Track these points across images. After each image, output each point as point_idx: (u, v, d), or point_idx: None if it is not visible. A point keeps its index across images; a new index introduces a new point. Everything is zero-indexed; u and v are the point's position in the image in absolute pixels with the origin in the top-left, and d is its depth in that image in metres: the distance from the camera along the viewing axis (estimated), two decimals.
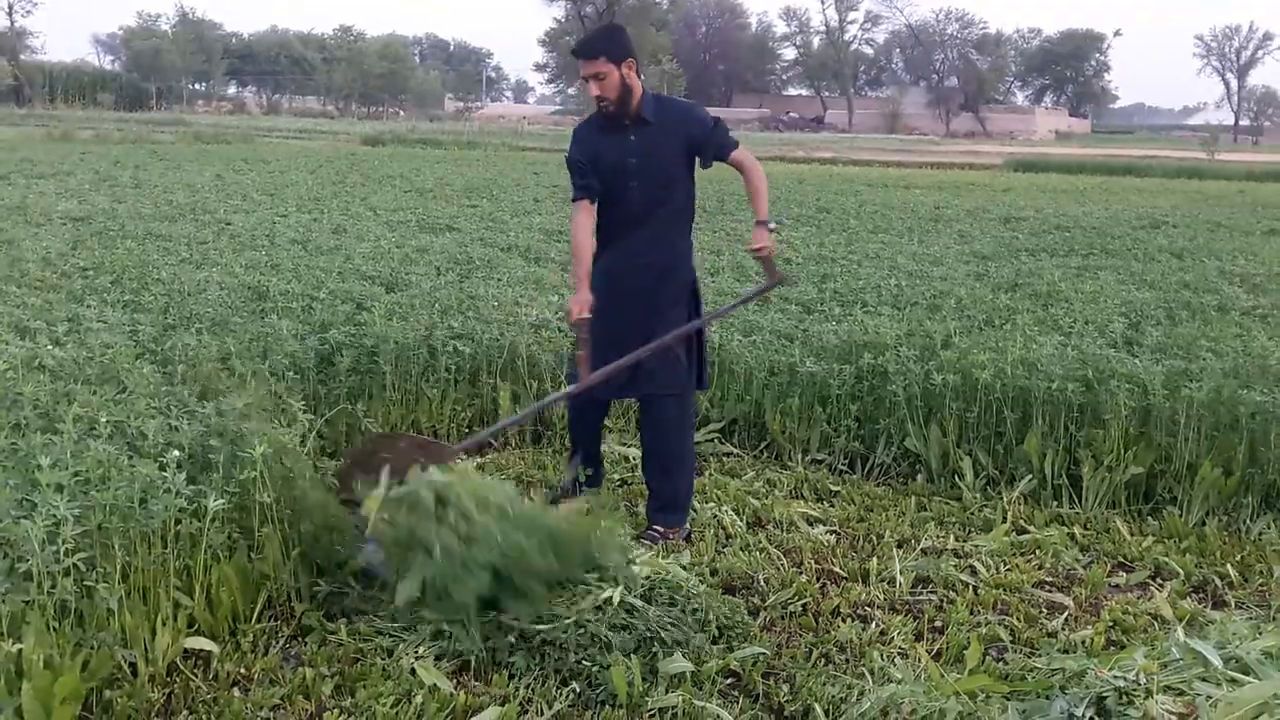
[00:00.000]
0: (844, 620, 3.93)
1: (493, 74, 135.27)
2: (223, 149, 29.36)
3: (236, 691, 3.32)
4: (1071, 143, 69.42)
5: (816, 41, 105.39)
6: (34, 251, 8.39)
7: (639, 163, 4.54)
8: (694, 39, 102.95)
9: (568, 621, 3.47)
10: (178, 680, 3.34)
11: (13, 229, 10.15)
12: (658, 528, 4.65)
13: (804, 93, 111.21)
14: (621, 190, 4.58)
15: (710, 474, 5.52)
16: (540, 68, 77.59)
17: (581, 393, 4.57)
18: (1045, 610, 4.10)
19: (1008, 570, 4.43)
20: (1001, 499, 5.17)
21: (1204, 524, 4.92)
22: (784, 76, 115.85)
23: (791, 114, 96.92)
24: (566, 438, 5.85)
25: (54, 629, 3.02)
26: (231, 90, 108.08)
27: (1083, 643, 3.77)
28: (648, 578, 3.71)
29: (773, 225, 4.69)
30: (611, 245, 4.64)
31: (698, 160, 4.68)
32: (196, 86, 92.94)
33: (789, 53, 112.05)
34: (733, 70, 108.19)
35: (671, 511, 4.72)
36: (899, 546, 4.65)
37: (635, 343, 4.53)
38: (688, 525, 4.76)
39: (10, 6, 72.25)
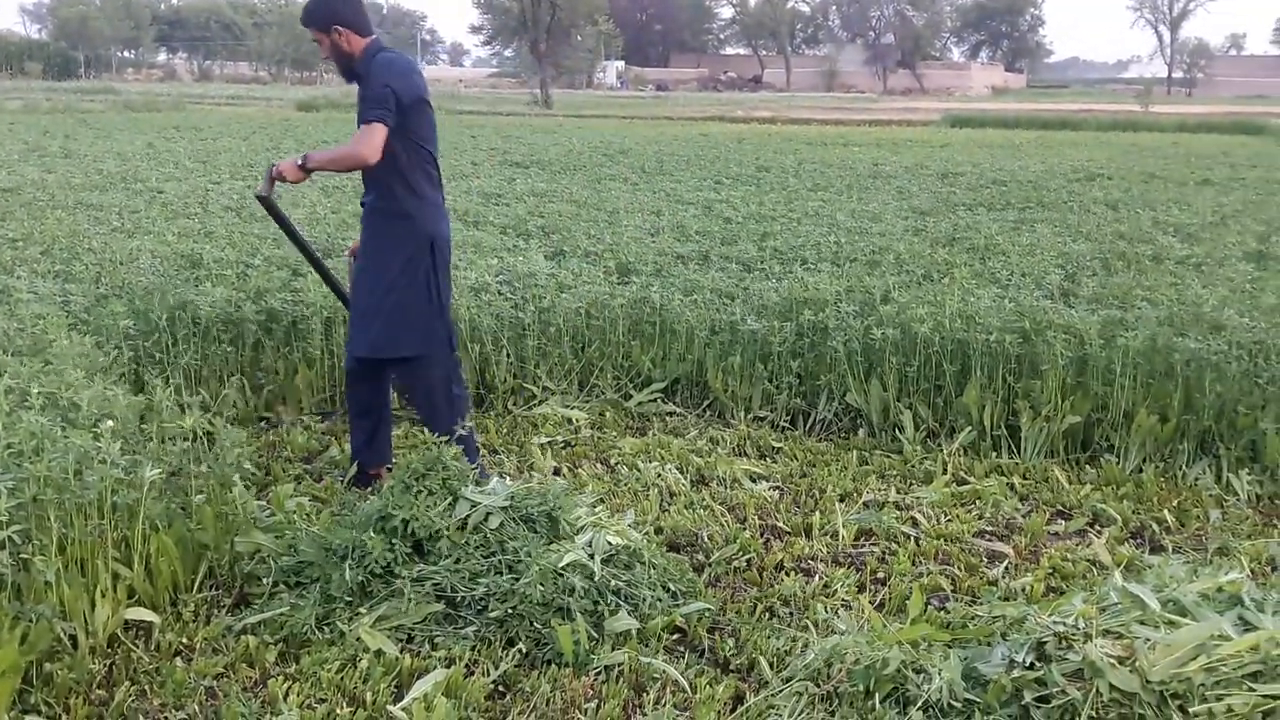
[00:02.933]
0: (788, 574, 3.96)
1: (427, 36, 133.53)
2: (153, 117, 28.85)
3: (179, 661, 3.29)
4: (1007, 98, 69.84)
5: (753, 0, 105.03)
6: None
7: (358, 117, 4.48)
8: None
9: (523, 583, 3.45)
10: (119, 651, 3.30)
11: None
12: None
13: (741, 52, 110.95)
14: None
15: (653, 433, 5.53)
16: (476, 30, 76.68)
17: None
18: (986, 559, 4.16)
19: (948, 521, 4.48)
20: (942, 451, 5.22)
21: (1141, 470, 5.00)
22: (721, 36, 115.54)
23: (729, 74, 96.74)
24: (505, 402, 5.85)
25: None
26: (162, 58, 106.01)
27: (1023, 590, 3.83)
28: (611, 544, 3.70)
29: (301, 161, 4.39)
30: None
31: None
32: (126, 54, 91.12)
33: (726, 11, 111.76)
34: (670, 30, 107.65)
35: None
36: (841, 500, 4.69)
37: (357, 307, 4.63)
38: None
39: None
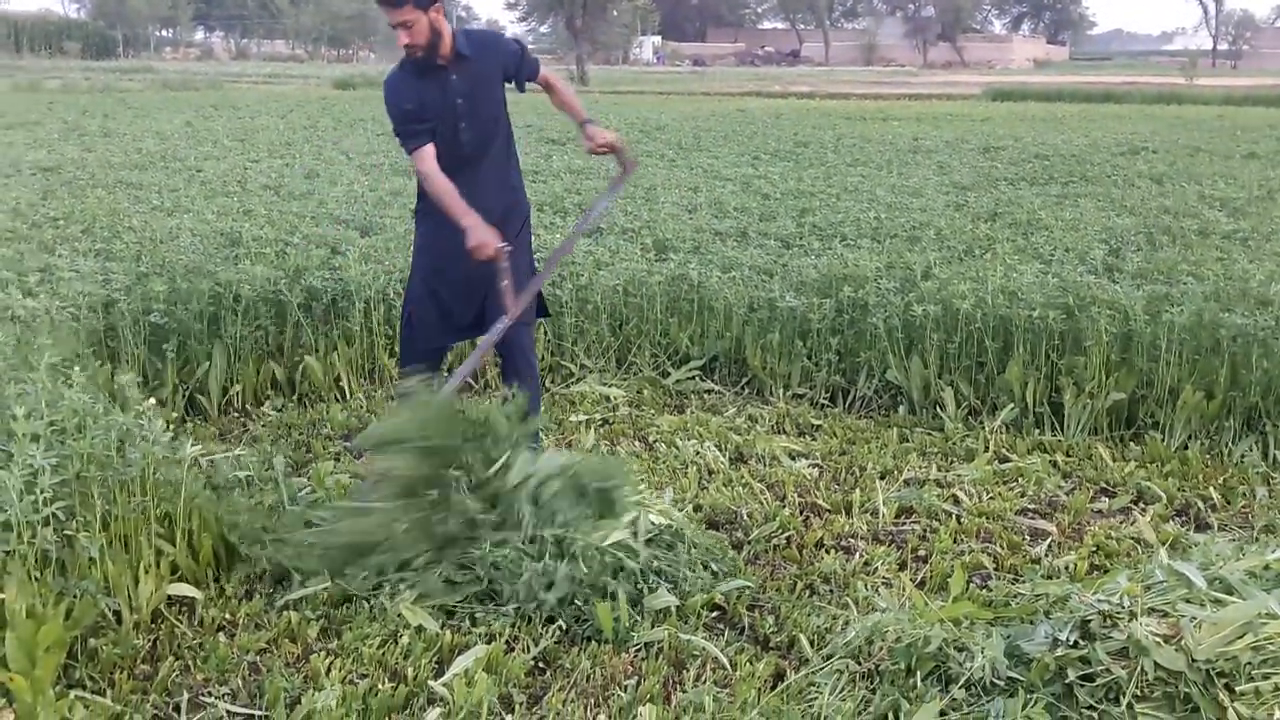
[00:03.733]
0: (828, 552, 3.94)
1: (463, 14, 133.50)
2: (191, 96, 29.02)
3: (222, 637, 3.31)
4: (1049, 70, 69.09)
5: None
6: (3, 202, 8.28)
7: (466, 103, 4.34)
8: None
9: (563, 564, 3.46)
10: (162, 627, 3.33)
11: None
12: None
13: (779, 26, 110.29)
14: (452, 133, 4.35)
15: (692, 411, 5.52)
16: (511, 6, 76.53)
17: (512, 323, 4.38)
18: (1028, 537, 4.13)
19: (990, 499, 4.45)
20: (983, 428, 5.18)
21: (1186, 448, 4.94)
22: (759, 10, 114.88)
23: (767, 48, 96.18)
24: (543, 380, 5.84)
25: (35, 578, 3.01)
26: (199, 36, 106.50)
27: (1066, 568, 3.80)
28: (654, 524, 3.70)
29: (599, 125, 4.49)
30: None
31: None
32: (164, 33, 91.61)
33: None
34: (707, 5, 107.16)
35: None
36: (881, 478, 4.66)
37: (485, 281, 4.41)
38: None
39: None
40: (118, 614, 3.28)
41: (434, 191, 4.29)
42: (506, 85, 4.50)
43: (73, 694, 2.92)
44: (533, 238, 4.76)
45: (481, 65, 4.36)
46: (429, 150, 4.30)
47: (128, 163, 12.00)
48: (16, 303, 4.64)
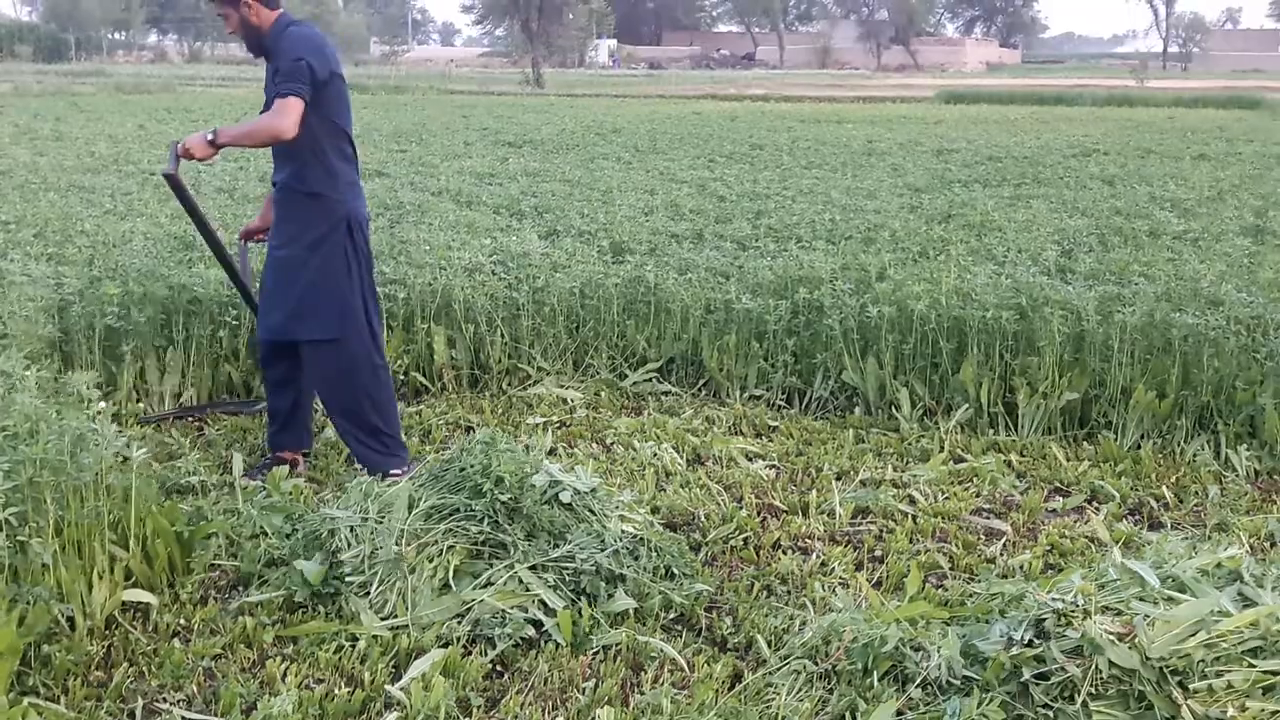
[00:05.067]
0: (785, 553, 3.96)
1: (418, 16, 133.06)
2: (145, 99, 28.71)
3: (177, 642, 3.28)
4: (1002, 73, 69.67)
5: None
6: None
7: (268, 94, 4.36)
8: None
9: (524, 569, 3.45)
10: (117, 633, 3.30)
11: None
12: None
13: (734, 29, 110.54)
14: None
15: (649, 413, 5.53)
16: (467, 9, 76.36)
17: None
18: (983, 537, 4.17)
19: (946, 499, 4.49)
20: (939, 429, 5.22)
21: (1139, 447, 5.00)
22: (714, 13, 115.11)
23: (722, 51, 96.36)
24: (500, 382, 5.83)
25: None
26: (152, 39, 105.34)
27: (1021, 567, 3.83)
28: (624, 532, 3.70)
29: (211, 137, 4.26)
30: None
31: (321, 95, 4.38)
32: (116, 36, 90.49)
33: None
34: (662, 8, 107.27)
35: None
36: (838, 479, 4.69)
37: (274, 291, 4.52)
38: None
39: None
40: (71, 620, 3.24)
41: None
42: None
43: (26, 701, 2.89)
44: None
45: (273, 63, 4.37)
46: None
47: (80, 166, 11.88)
48: None
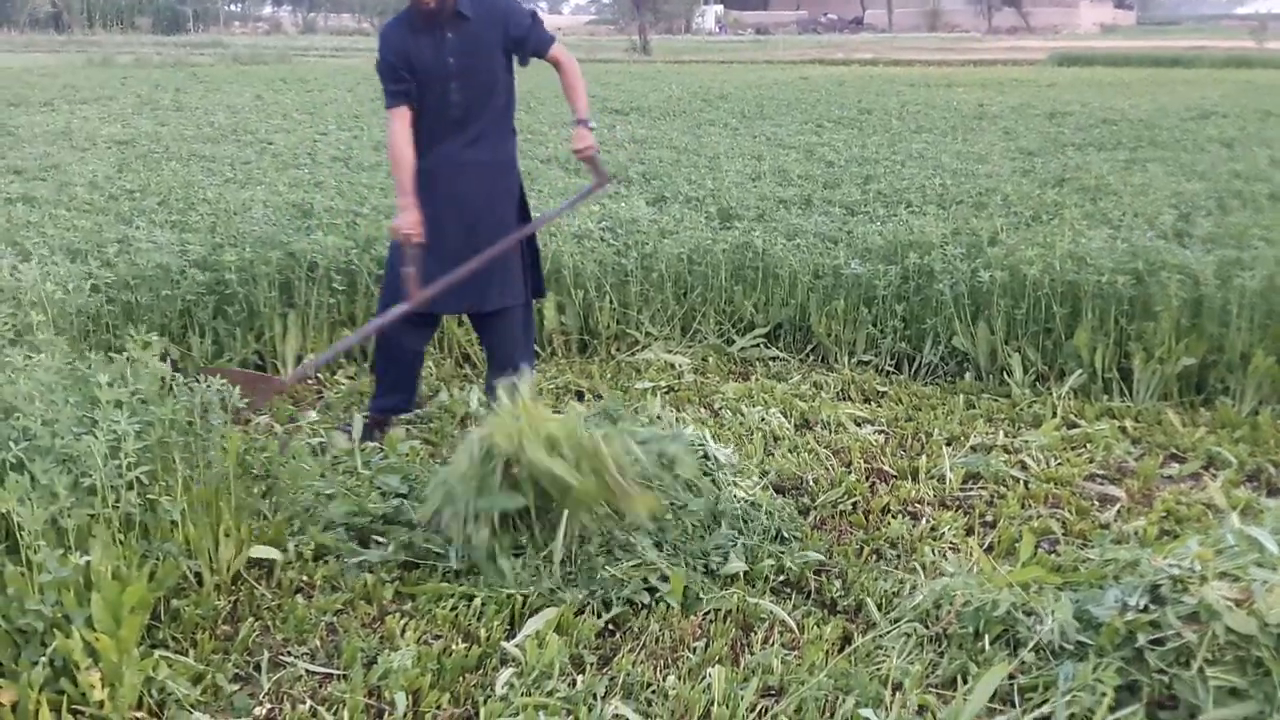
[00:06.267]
0: (894, 518, 3.95)
1: None
2: (261, 70, 29.25)
3: (300, 598, 3.40)
4: (1117, 35, 67.68)
5: None
6: (81, 175, 8.46)
7: (458, 63, 4.28)
8: None
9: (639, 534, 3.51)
10: (243, 588, 3.42)
11: (59, 154, 10.24)
12: None
13: None
14: (441, 94, 4.31)
15: (756, 378, 5.53)
16: None
17: (415, 310, 4.38)
18: (1097, 503, 4.11)
19: (1058, 464, 4.43)
20: (1051, 394, 5.14)
21: (1256, 413, 4.88)
22: None
23: (830, 15, 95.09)
24: (609, 348, 5.88)
25: (120, 541, 3.09)
26: (267, 10, 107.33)
27: (1136, 533, 3.78)
28: (739, 499, 3.75)
29: (593, 124, 4.45)
30: (433, 153, 4.38)
31: (515, 59, 4.46)
32: (232, 8, 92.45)
33: None
34: None
35: None
36: (948, 444, 4.65)
37: (467, 254, 4.37)
38: None
39: None
40: (199, 576, 3.37)
41: (390, 156, 4.34)
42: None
43: (157, 654, 3.00)
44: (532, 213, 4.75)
45: (480, 28, 4.31)
46: (399, 112, 4.33)
47: (200, 136, 12.17)
48: (98, 273, 4.73)
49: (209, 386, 3.45)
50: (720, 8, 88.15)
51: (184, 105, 16.60)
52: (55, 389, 3.36)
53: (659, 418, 4.54)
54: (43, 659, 2.75)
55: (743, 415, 4.97)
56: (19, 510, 2.84)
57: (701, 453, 3.87)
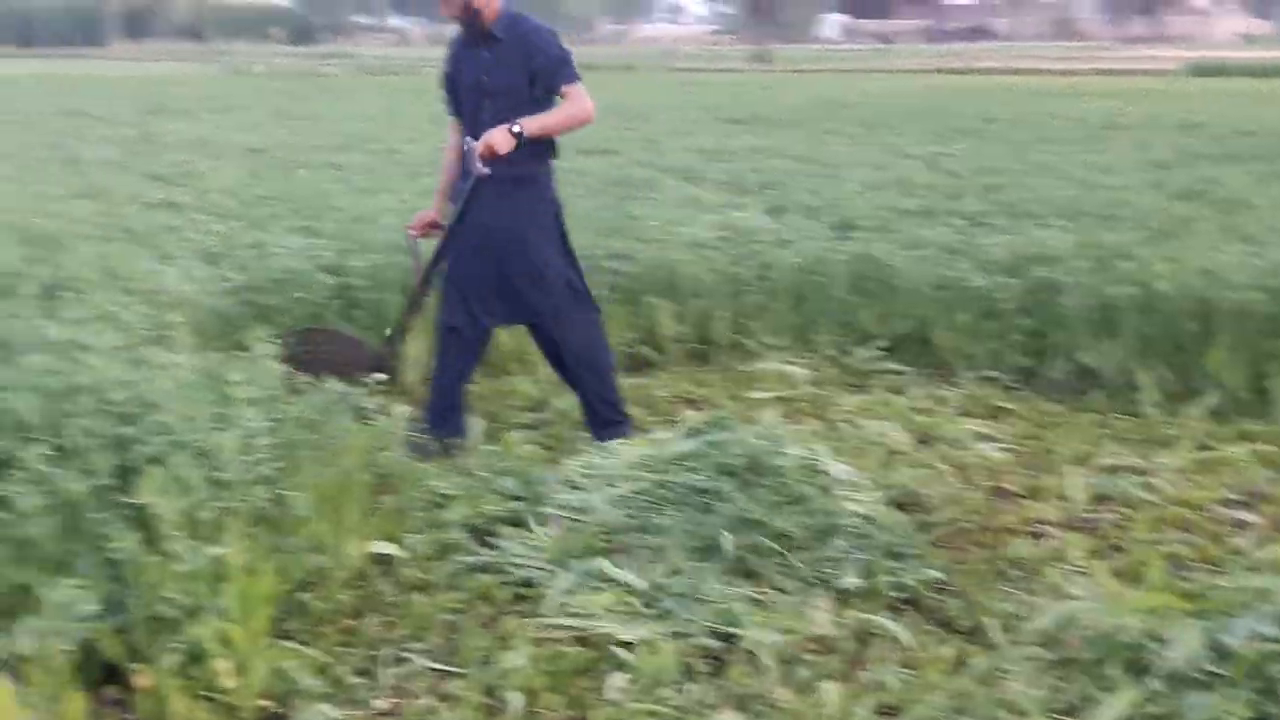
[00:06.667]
0: (1017, 538, 3.87)
1: None
2: (389, 80, 29.86)
3: (421, 595, 3.45)
4: (1256, 45, 65.63)
5: None
6: (217, 182, 8.73)
7: (490, 81, 4.41)
8: None
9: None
10: (366, 584, 3.49)
11: (197, 161, 10.59)
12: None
13: (967, 1, 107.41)
14: (476, 109, 4.45)
15: (875, 391, 5.47)
16: None
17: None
18: (1231, 528, 3.98)
19: (1191, 487, 4.29)
20: (1184, 415, 4.99)
21: None
22: None
23: (954, 24, 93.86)
24: (725, 358, 5.86)
25: (251, 534, 3.17)
26: (395, 22, 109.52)
27: (1271, 561, 3.64)
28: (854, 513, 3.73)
29: (517, 130, 4.29)
30: (473, 171, 4.42)
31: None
32: (361, 20, 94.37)
33: None
34: None
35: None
36: (1074, 463, 4.54)
37: (485, 268, 4.48)
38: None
39: None
40: (324, 570, 3.45)
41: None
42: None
43: (283, 644, 3.09)
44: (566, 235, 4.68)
45: (509, 52, 4.40)
46: (452, 123, 4.63)
47: (330, 145, 12.47)
48: (233, 276, 4.88)
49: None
50: (842, 16, 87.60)
51: (315, 114, 17.03)
52: (191, 386, 3.47)
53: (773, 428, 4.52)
54: (177, 646, 2.84)
55: (860, 428, 4.91)
56: (157, 502, 2.94)
57: (815, 465, 3.84)
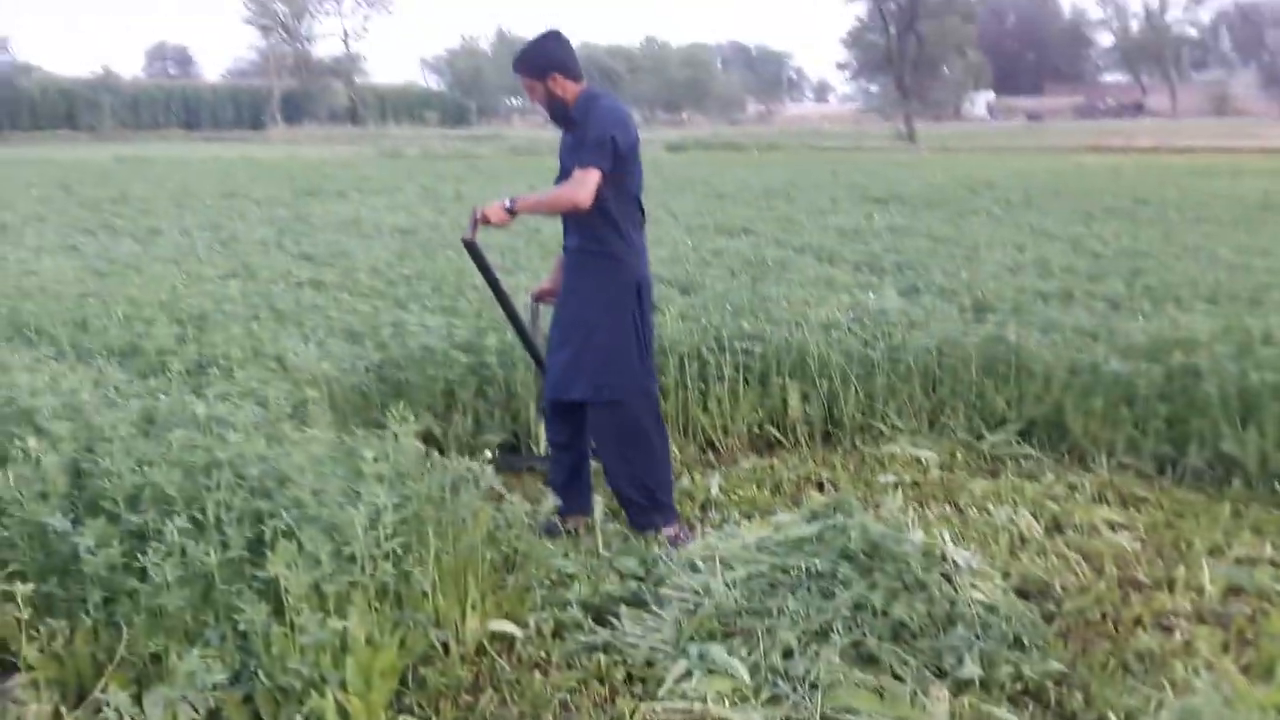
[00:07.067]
0: (1145, 629, 3.77)
1: (793, 75, 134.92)
2: (536, 161, 30.54)
3: (537, 673, 3.52)
4: None
5: (1135, 25, 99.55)
6: (364, 261, 9.07)
7: (566, 160, 4.59)
8: (1002, 28, 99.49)
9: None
10: (484, 660, 3.57)
11: (347, 241, 11.03)
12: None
13: (1121, 79, 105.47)
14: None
15: (1006, 476, 5.38)
16: (842, 66, 76.61)
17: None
18: None
19: None
20: None
21: None
22: (1099, 63, 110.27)
23: (1108, 101, 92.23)
24: (853, 439, 5.84)
25: (375, 608, 3.29)
26: None
27: None
28: (975, 601, 3.69)
29: (509, 204, 4.51)
30: (564, 241, 4.80)
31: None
32: (513, 102, 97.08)
33: (1105, 38, 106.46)
34: (1043, 58, 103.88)
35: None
36: (1209, 554, 4.40)
37: (552, 337, 4.74)
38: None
39: (345, 33, 77.84)
40: (445, 645, 3.54)
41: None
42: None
43: (402, 718, 3.18)
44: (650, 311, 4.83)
45: (578, 133, 4.55)
46: None
47: None
48: (371, 353, 5.07)
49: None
50: (991, 94, 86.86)
51: (463, 195, 17.56)
52: (324, 462, 3.63)
53: (895, 513, 4.49)
54: (299, 716, 2.95)
55: (989, 514, 4.84)
56: (286, 574, 3.07)
57: (937, 552, 3.81)
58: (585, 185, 4.40)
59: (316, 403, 4.34)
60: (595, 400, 4.61)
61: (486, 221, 4.56)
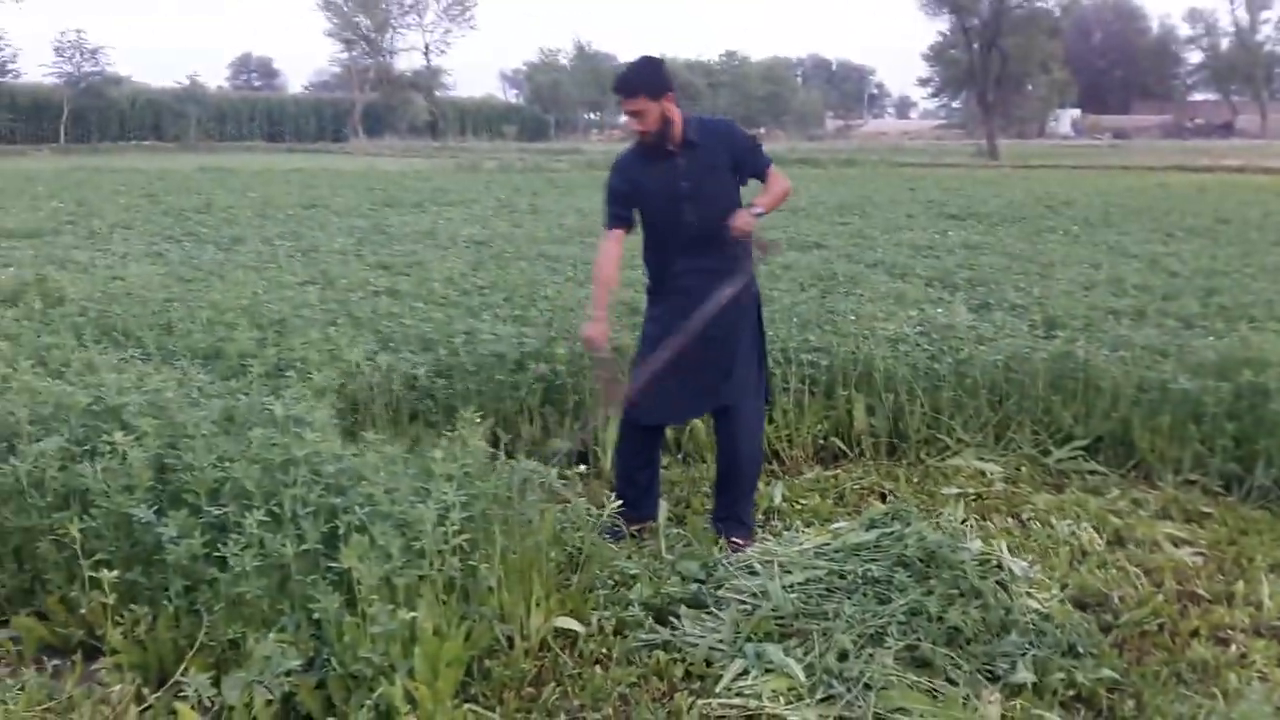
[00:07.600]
0: (1202, 642, 3.79)
1: (874, 91, 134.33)
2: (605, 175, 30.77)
3: (598, 669, 3.63)
4: None
5: (1225, 43, 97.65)
6: (440, 272, 9.25)
7: (691, 186, 4.54)
8: (1088, 45, 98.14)
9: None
10: (547, 655, 3.69)
11: (423, 251, 11.23)
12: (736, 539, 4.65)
13: (1211, 97, 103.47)
14: (675, 215, 4.57)
15: (1071, 490, 5.40)
16: (923, 82, 76.03)
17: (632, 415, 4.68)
18: None
19: None
20: None
21: None
22: (1189, 81, 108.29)
23: (1197, 120, 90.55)
24: (918, 451, 5.88)
25: (442, 601, 3.42)
26: (623, 119, 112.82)
27: None
28: (1030, 610, 3.75)
29: (758, 211, 4.52)
30: (669, 268, 4.66)
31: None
32: (591, 116, 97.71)
33: (1195, 55, 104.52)
34: (1131, 76, 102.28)
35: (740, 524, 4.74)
36: (1271, 571, 4.40)
37: (702, 361, 4.56)
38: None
39: (426, 47, 78.79)
40: (510, 639, 3.66)
41: (595, 271, 4.73)
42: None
43: (467, 707, 3.32)
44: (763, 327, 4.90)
45: (707, 153, 4.58)
46: (615, 234, 4.68)
47: (549, 237, 12.99)
48: (445, 360, 5.22)
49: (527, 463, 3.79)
50: (1076, 112, 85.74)
51: (538, 208, 17.75)
52: (397, 462, 3.78)
53: (953, 523, 4.54)
54: (368, 702, 3.09)
55: (1051, 527, 4.87)
56: (358, 567, 3.21)
57: (994, 561, 3.87)
58: (785, 176, 4.71)
59: (389, 406, 4.50)
60: (753, 406, 4.80)
61: (746, 234, 4.52)
